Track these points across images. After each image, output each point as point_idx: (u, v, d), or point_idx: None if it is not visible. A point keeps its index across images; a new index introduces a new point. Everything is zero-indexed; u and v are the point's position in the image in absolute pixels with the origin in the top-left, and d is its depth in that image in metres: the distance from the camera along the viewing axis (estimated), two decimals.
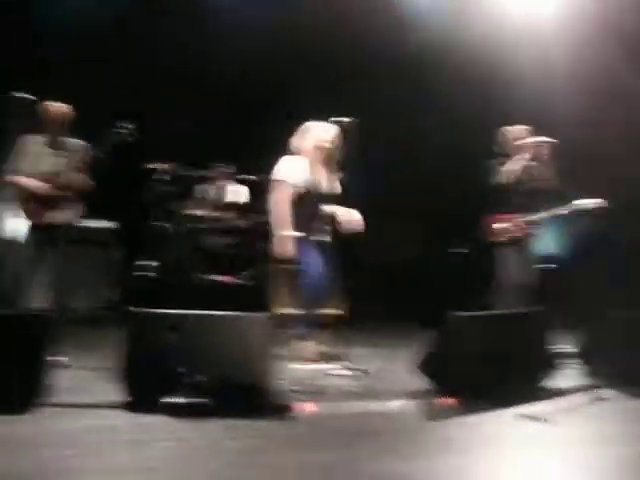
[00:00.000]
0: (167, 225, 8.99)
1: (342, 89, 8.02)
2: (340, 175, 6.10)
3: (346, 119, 5.94)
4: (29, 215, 6.20)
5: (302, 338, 5.86)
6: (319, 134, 6.00)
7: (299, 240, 5.89)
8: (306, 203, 5.92)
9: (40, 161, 6.21)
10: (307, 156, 5.97)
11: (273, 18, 9.70)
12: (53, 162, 6.22)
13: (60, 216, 6.23)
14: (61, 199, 6.20)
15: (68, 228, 6.27)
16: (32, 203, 6.16)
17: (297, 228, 5.90)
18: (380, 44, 9.68)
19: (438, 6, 9.87)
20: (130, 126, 6.18)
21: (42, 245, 6.21)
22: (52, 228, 6.20)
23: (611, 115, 8.34)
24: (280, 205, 5.93)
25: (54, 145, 6.26)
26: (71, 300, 6.45)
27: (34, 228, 6.22)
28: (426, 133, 9.98)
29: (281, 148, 6.09)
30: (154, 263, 8.77)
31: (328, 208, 5.95)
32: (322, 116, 6.08)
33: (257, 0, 9.84)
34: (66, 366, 5.37)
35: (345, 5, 9.50)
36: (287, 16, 9.60)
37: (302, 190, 5.89)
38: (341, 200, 6.08)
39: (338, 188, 6.07)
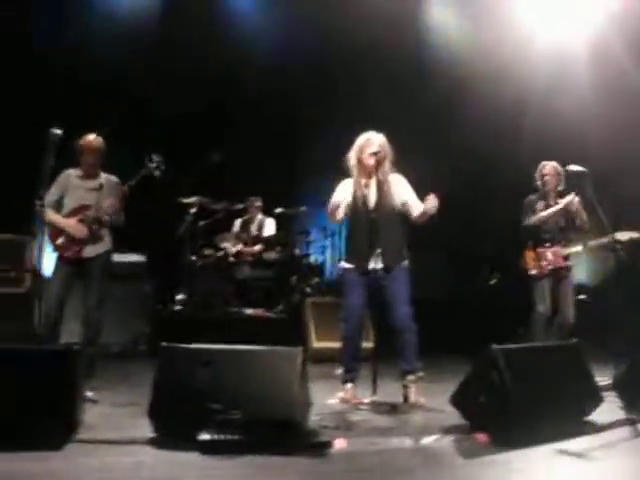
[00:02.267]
0: (197, 258, 9.02)
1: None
2: (400, 180, 5.87)
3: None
4: (59, 249, 6.22)
5: (342, 379, 5.81)
6: (360, 146, 5.81)
7: (345, 269, 5.83)
8: (353, 226, 5.84)
9: (73, 194, 6.25)
10: (353, 172, 5.83)
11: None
12: (85, 196, 6.26)
13: (91, 250, 6.24)
14: (92, 233, 6.23)
15: (99, 262, 6.28)
16: (62, 237, 6.19)
17: (346, 254, 5.84)
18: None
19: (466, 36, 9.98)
20: (158, 159, 6.21)
21: (72, 279, 6.22)
22: (83, 262, 6.21)
23: None
24: None
25: (87, 178, 6.31)
26: (102, 334, 6.43)
27: (64, 262, 6.21)
28: (457, 162, 9.99)
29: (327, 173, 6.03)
30: (185, 296, 8.77)
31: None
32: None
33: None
34: (94, 401, 5.35)
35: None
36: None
37: (346, 213, 5.81)
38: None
39: (397, 197, 5.79)
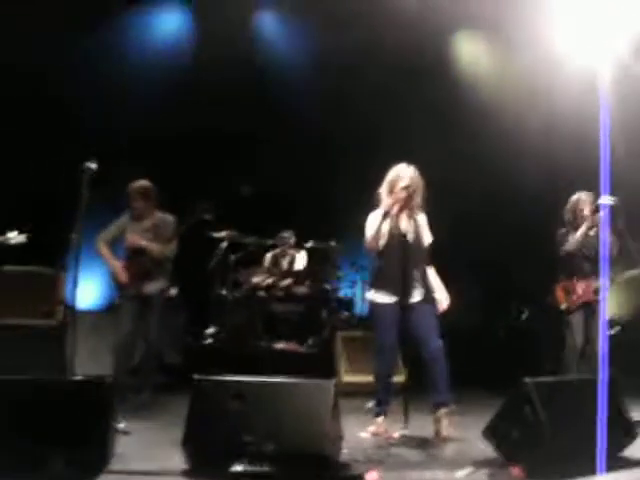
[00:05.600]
0: (228, 292, 9.05)
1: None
2: (424, 219, 5.90)
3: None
4: (120, 286, 6.67)
5: (373, 413, 5.79)
6: (391, 181, 5.78)
7: (377, 304, 5.82)
8: (387, 258, 5.80)
9: (127, 235, 6.69)
10: (385, 205, 5.78)
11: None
12: (141, 236, 6.66)
13: (150, 286, 6.66)
14: (149, 270, 6.62)
15: (159, 297, 6.73)
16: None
17: (378, 287, 5.82)
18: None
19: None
20: (207, 206, 6.63)
21: (138, 313, 6.67)
22: (144, 298, 6.65)
23: None
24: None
25: (140, 219, 6.67)
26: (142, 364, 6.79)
27: (128, 299, 6.66)
28: (489, 199, 9.93)
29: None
30: (216, 330, 8.80)
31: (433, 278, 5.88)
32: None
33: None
34: (125, 432, 5.35)
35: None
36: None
37: (375, 245, 5.77)
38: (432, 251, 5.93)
39: (423, 235, 5.84)
